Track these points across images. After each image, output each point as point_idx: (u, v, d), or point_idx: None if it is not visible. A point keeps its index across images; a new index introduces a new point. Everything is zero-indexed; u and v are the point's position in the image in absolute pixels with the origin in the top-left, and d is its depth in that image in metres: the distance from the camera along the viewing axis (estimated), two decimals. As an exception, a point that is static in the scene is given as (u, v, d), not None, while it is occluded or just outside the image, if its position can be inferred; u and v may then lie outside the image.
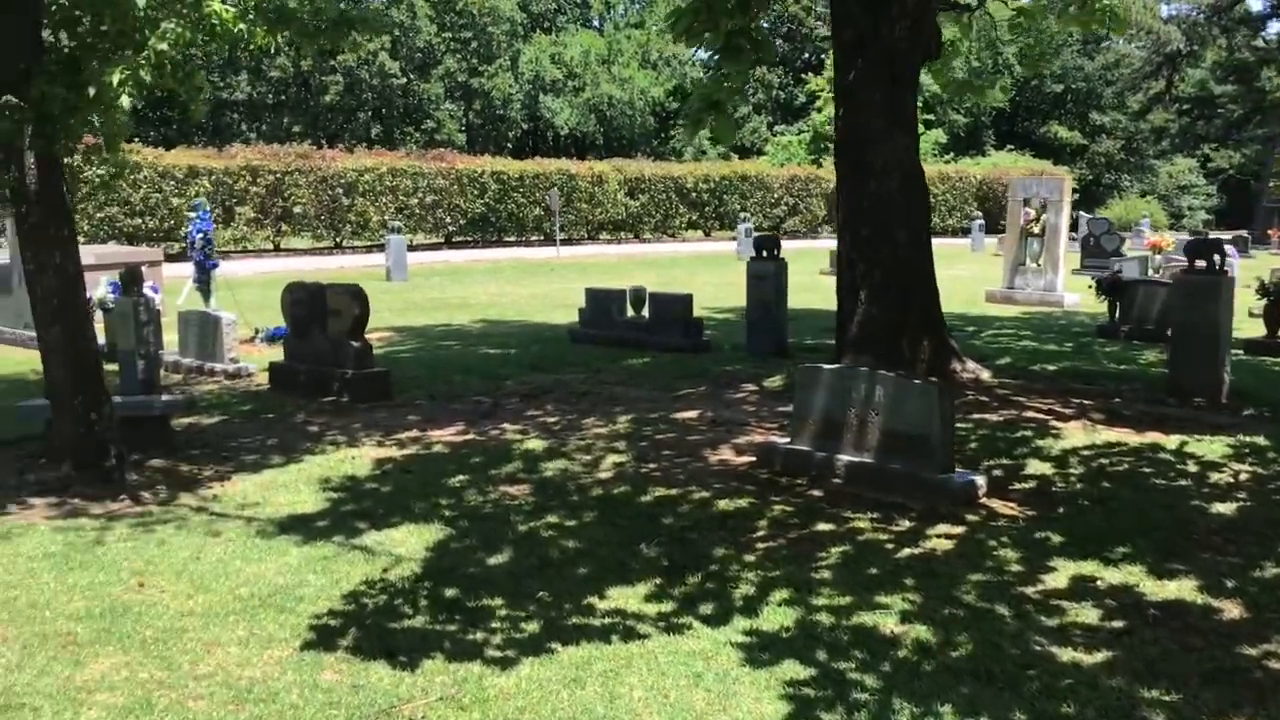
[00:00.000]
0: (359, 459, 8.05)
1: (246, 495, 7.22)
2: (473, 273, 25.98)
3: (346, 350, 10.15)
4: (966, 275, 24.76)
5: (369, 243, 33.46)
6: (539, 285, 22.30)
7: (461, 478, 7.44)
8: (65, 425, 7.56)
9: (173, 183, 28.50)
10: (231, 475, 7.74)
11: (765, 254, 11.90)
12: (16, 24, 7.23)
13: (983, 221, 38.23)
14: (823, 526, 6.15)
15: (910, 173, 9.42)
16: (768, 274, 11.76)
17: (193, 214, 13.61)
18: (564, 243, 35.87)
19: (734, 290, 20.11)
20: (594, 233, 37.45)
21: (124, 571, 5.70)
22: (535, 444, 8.20)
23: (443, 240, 34.69)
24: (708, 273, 25.48)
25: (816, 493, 6.71)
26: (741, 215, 32.42)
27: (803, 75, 60.49)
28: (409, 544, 6.15)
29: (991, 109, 64.06)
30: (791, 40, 65.33)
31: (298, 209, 30.58)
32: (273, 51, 9.84)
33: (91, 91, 7.06)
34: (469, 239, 35.08)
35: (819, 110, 55.72)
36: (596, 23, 63.02)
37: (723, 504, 6.59)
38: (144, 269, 16.69)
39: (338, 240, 32.68)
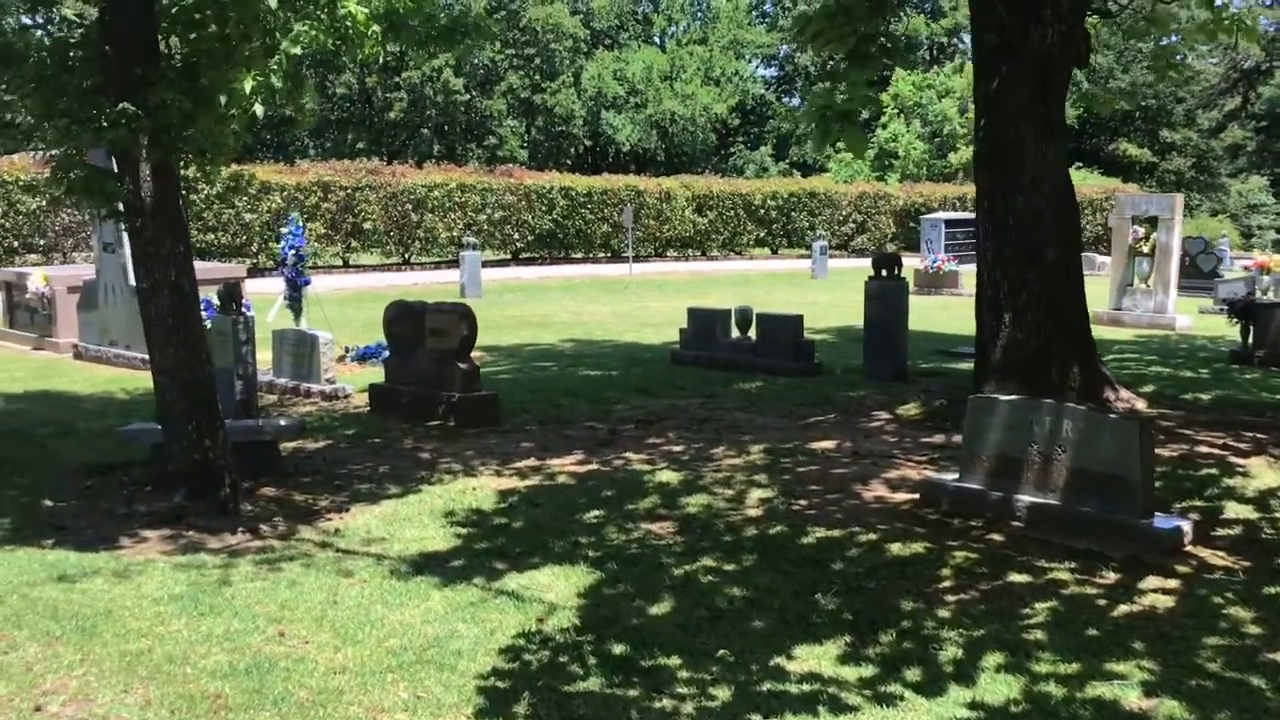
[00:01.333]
0: (480, 490, 7.58)
1: (370, 529, 6.77)
2: (547, 289, 25.58)
3: (453, 372, 9.70)
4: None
5: (437, 259, 33.21)
6: (618, 303, 21.83)
7: (597, 513, 6.93)
8: (178, 452, 7.15)
9: (244, 198, 28.35)
10: (349, 506, 7.30)
11: (885, 273, 11.32)
12: (129, 27, 6.86)
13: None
14: (1017, 577, 5.57)
15: (1060, 186, 8.82)
16: (888, 294, 11.17)
17: (285, 230, 13.29)
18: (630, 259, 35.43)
19: (820, 309, 19.55)
20: (661, 250, 36.97)
21: (260, 618, 5.24)
22: (668, 476, 7.68)
23: (510, 256, 34.35)
24: (785, 291, 24.88)
25: (996, 537, 6.13)
26: (817, 233, 31.81)
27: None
28: (558, 589, 5.65)
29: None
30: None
31: (368, 225, 30.37)
32: (356, 62, 9.43)
33: (223, 99, 6.67)
34: (536, 255, 34.72)
35: (884, 126, 55.11)
36: (658, 39, 62.72)
37: (895, 548, 6.03)
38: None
39: (406, 256, 32.45)
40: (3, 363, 14.04)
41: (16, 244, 24.98)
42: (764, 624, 5.10)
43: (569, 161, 54.40)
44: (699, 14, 61.15)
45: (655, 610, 5.31)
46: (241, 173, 7.41)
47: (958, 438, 8.42)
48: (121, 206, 7.03)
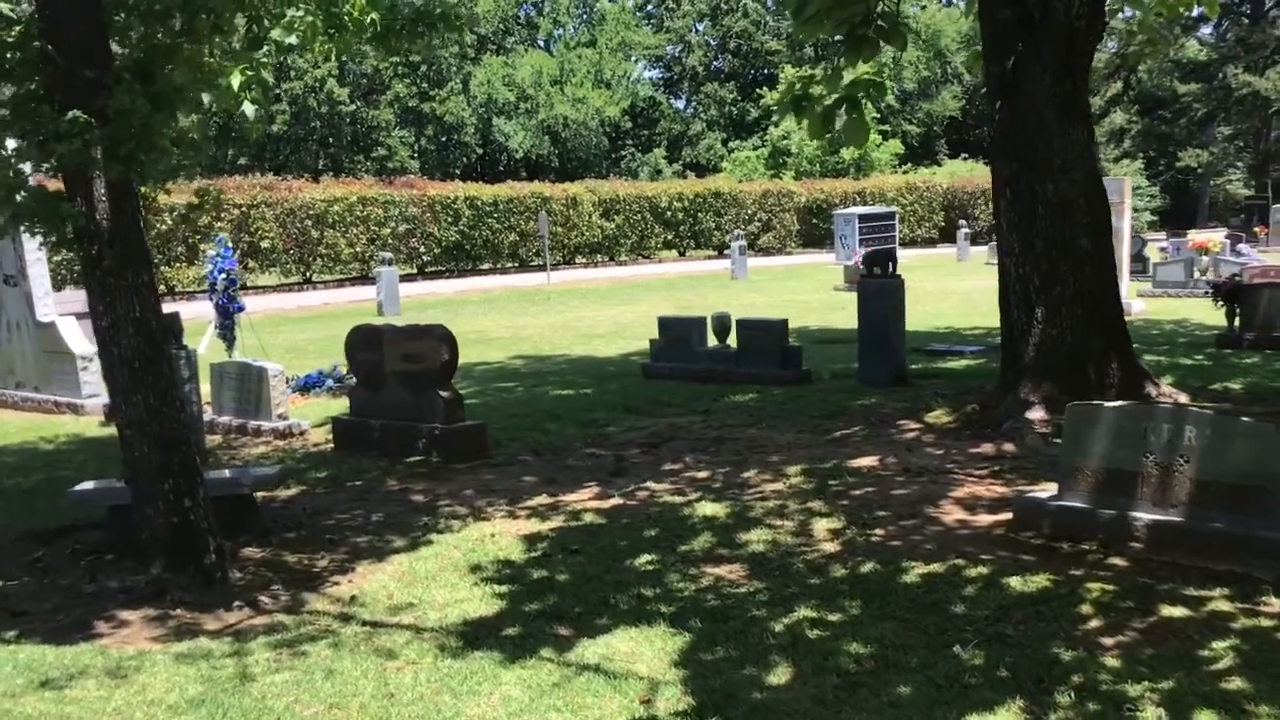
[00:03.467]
0: (500, 537, 6.70)
1: (391, 594, 5.85)
2: (466, 304, 24.54)
3: (434, 402, 8.77)
4: (986, 286, 23.76)
5: (340, 276, 31.87)
6: (548, 314, 20.96)
7: (647, 558, 6.12)
8: (153, 515, 6.11)
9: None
10: (354, 566, 6.36)
11: (879, 270, 10.70)
12: (77, 23, 5.83)
13: (968, 230, 37.49)
14: (1170, 610, 4.93)
15: (1091, 172, 8.29)
16: (883, 294, 10.55)
17: (213, 251, 12.13)
18: (538, 268, 34.55)
19: (759, 311, 18.92)
20: (570, 256, 36.16)
21: (311, 726, 4.32)
22: (709, 508, 6.90)
23: (416, 271, 33.14)
24: (715, 293, 24.27)
25: (1119, 562, 5.49)
26: (735, 233, 31.31)
27: (756, 90, 59.85)
28: (646, 658, 4.83)
29: (944, 118, 63.89)
30: (740, 55, 64.69)
31: (265, 243, 28.90)
32: (331, 59, 8.45)
33: (201, 101, 5.68)
34: (443, 268, 33.58)
35: (775, 125, 55.10)
36: (545, 43, 61.80)
37: (1014, 582, 5.35)
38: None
39: (307, 275, 31.03)
40: (-109, 413, 12.59)
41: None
42: (911, 690, 4.36)
43: (458, 171, 53.15)
44: (585, 16, 60.44)
45: (774, 679, 4.53)
46: (208, 189, 6.34)
47: (1008, 446, 7.85)
48: (72, 232, 5.98)
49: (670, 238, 39.29)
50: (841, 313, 18.72)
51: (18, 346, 12.56)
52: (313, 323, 21.62)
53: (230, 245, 12.03)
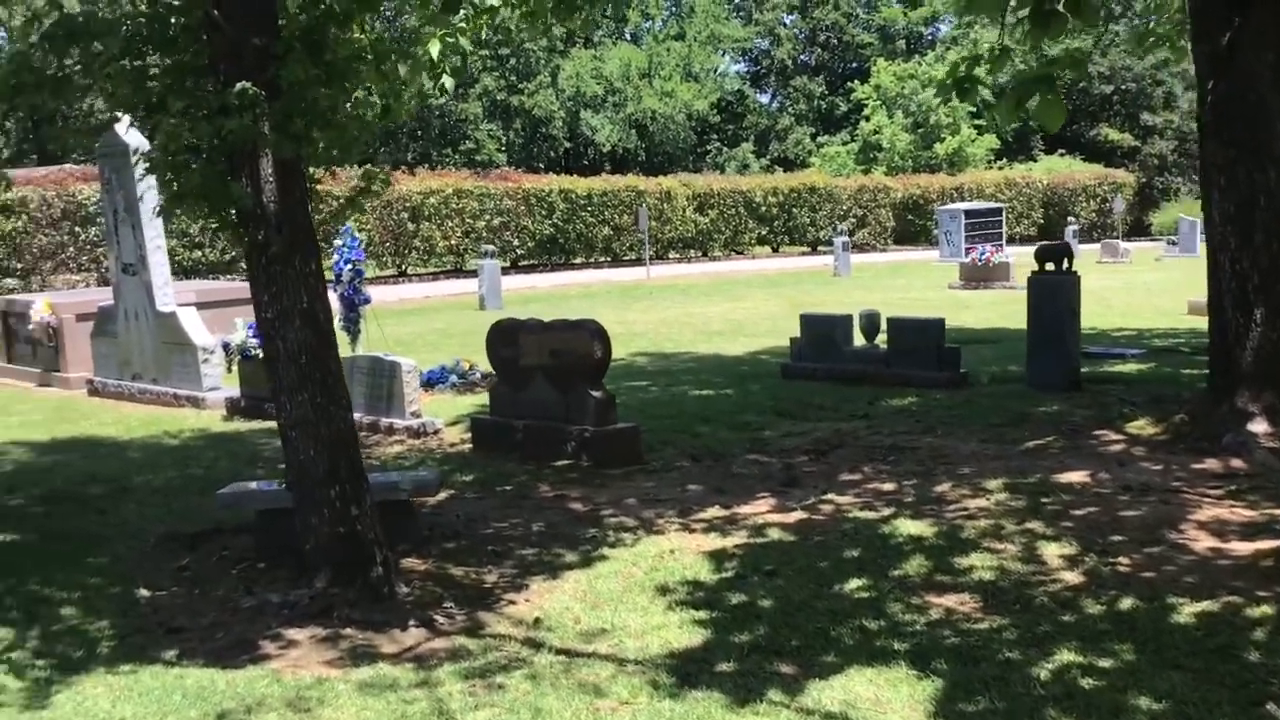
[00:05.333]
0: (681, 553, 6.13)
1: (578, 617, 5.30)
2: (567, 298, 24.07)
3: (584, 402, 8.23)
4: (1112, 284, 22.71)
5: (435, 269, 31.62)
6: (657, 310, 20.38)
7: (858, 583, 5.50)
8: (318, 524, 5.63)
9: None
10: (526, 582, 5.83)
11: (1054, 266, 9.94)
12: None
13: (1077, 227, 36.24)
14: None
15: (1320, 158, 7.49)
16: (1058, 291, 9.79)
17: (339, 242, 11.74)
18: (633, 263, 34.03)
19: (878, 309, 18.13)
20: (662, 251, 35.54)
21: (539, 780, 3.77)
22: (911, 526, 6.25)
23: (509, 264, 32.76)
24: (822, 291, 23.52)
25: None
26: (839, 229, 30.56)
27: (846, 83, 58.81)
28: (895, 706, 4.21)
29: (1040, 113, 62.12)
30: (830, 49, 63.62)
31: (361, 235, 28.66)
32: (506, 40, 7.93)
33: (360, 73, 5.18)
34: (535, 262, 33.17)
35: (867, 119, 54.01)
36: (631, 36, 61.22)
37: (1312, 626, 4.64)
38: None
39: (401, 268, 30.80)
40: (9, 403, 12.38)
41: (-7, 268, 23.22)
42: (1234, 757, 3.69)
43: (542, 165, 52.81)
44: (674, 8, 59.77)
45: (1059, 737, 3.89)
46: (374, 171, 5.87)
47: (1236, 463, 7.10)
48: (235, 215, 5.51)
49: (764, 233, 38.53)
50: (967, 312, 17.90)
51: (136, 337, 12.27)
52: (415, 315, 21.28)
53: (358, 236, 11.60)
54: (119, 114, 5.66)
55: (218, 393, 11.45)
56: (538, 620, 5.28)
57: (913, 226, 42.38)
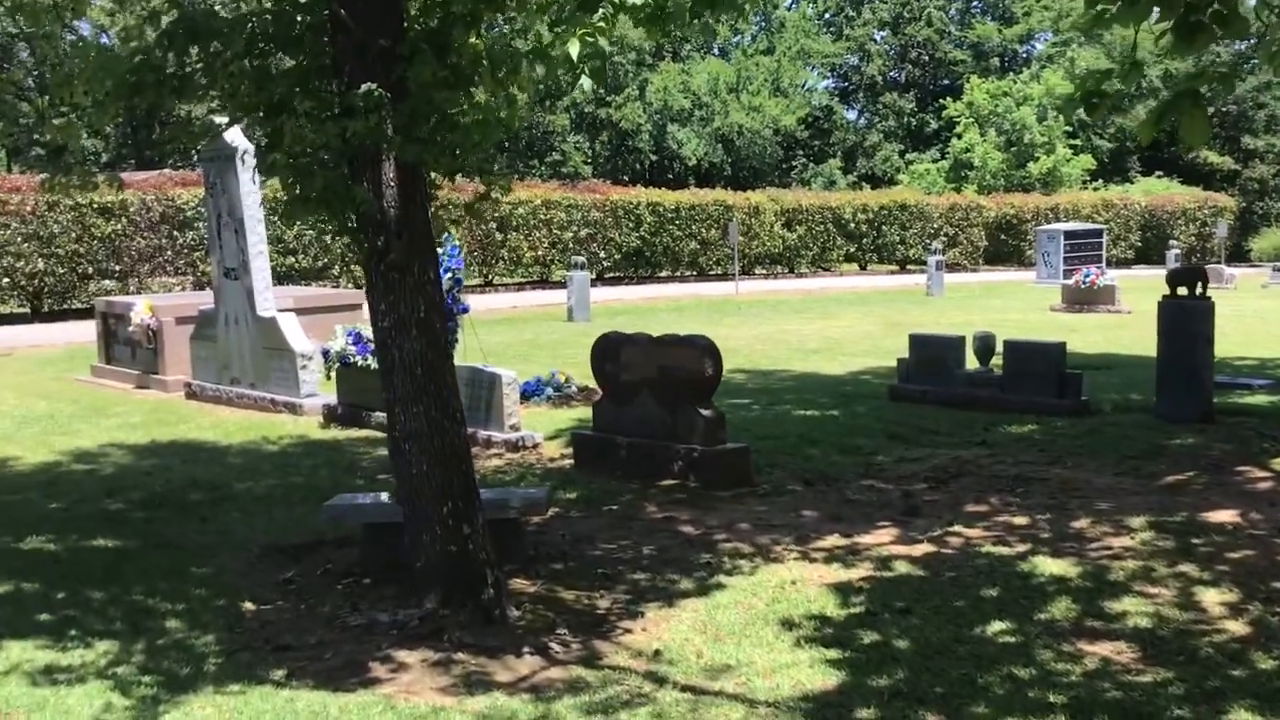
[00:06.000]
0: (802, 585, 5.81)
1: (700, 651, 5.01)
2: (655, 311, 23.84)
3: (693, 420, 7.95)
4: (1227, 312, 21.78)
5: (520, 280, 31.62)
6: (748, 326, 20.05)
7: (1000, 626, 5.14)
8: (429, 542, 5.42)
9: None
10: (641, 609, 5.56)
11: (1187, 291, 9.45)
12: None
13: (1179, 251, 35.16)
14: None
15: None
16: (1191, 318, 9.30)
17: (440, 250, 11.61)
18: (719, 277, 33.73)
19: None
20: (749, 267, 35.14)
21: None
22: (1051, 565, 5.87)
23: (594, 276, 32.65)
24: (917, 311, 22.99)
25: None
26: (933, 247, 29.97)
27: (938, 101, 57.93)
28: (1058, 765, 3.86)
29: (1137, 133, 60.75)
30: (920, 65, 62.82)
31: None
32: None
33: (494, 74, 4.98)
34: (621, 275, 32.99)
35: (959, 136, 53.12)
36: (719, 50, 60.98)
37: None
38: (346, 313, 14.79)
39: (488, 277, 30.83)
40: (108, 404, 12.44)
41: (92, 270, 23.60)
42: None
43: (626, 177, 52.73)
44: (764, 23, 59.41)
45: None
46: (496, 176, 5.65)
47: (1403, 508, 6.60)
48: (354, 220, 5.33)
49: (852, 250, 37.98)
50: (1073, 335, 17.24)
51: (235, 342, 12.26)
52: (503, 325, 21.15)
53: (459, 244, 11.46)
54: (239, 115, 5.50)
55: (315, 399, 11.37)
56: (658, 653, 5.01)
57: (1005, 247, 41.48)
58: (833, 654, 4.92)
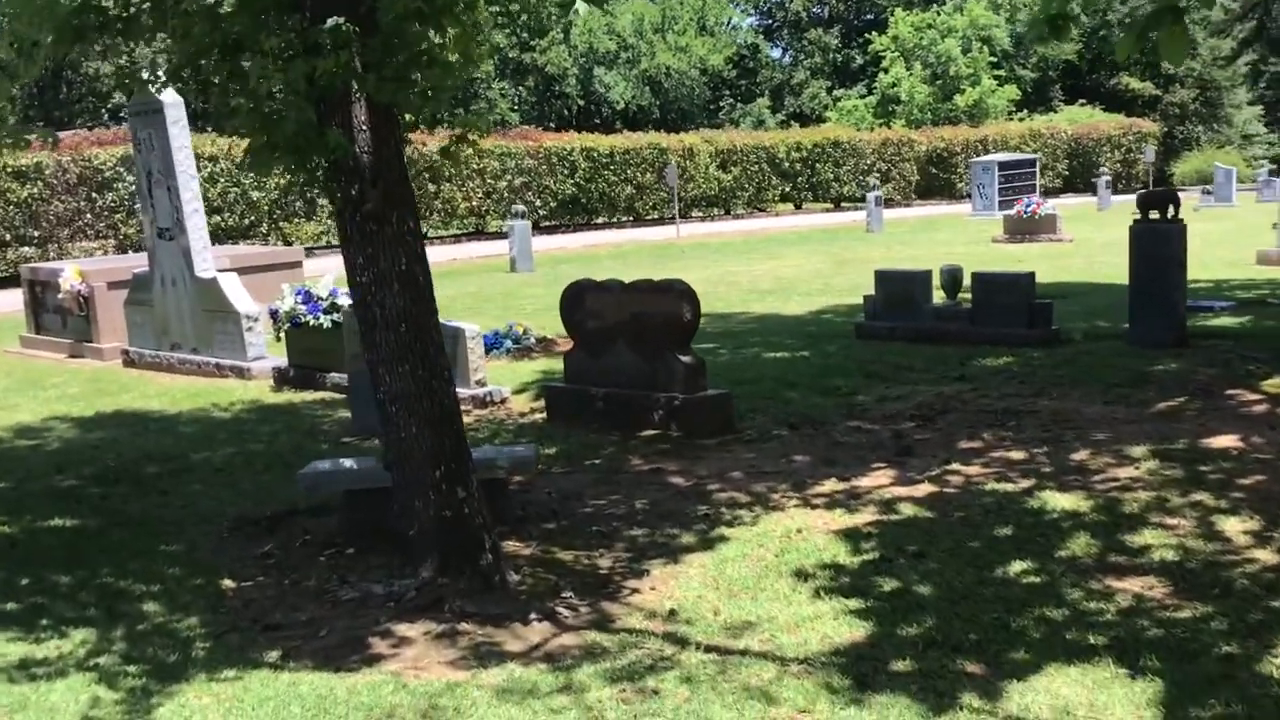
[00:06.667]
0: (809, 532, 5.62)
1: (717, 608, 4.80)
2: (598, 258, 23.47)
3: (672, 367, 7.70)
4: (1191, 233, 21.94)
5: (457, 231, 31.01)
6: (696, 270, 19.69)
7: (1021, 566, 4.98)
8: (422, 507, 5.12)
9: (252, 175, 25.98)
10: (645, 567, 5.33)
11: (1159, 214, 9.35)
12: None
13: (1109, 177, 35.46)
14: None
15: None
16: (1164, 241, 9.21)
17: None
18: (655, 222, 33.39)
19: (919, 265, 17.58)
20: (685, 210, 34.76)
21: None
22: (1060, 499, 5.73)
23: (529, 226, 32.12)
24: (862, 247, 22.90)
25: None
26: (872, 182, 29.88)
27: (864, 36, 57.74)
28: (1117, 713, 3.73)
29: (1060, 63, 61.24)
30: (844, 0, 62.49)
31: (383, 197, 28.04)
32: None
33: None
34: (557, 223, 32.49)
35: (885, 71, 53.02)
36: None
37: None
38: (286, 272, 14.28)
39: (423, 231, 30.13)
40: (42, 375, 11.87)
41: (9, 237, 22.62)
42: None
43: (553, 123, 51.94)
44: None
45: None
46: (473, 118, 5.27)
47: (1402, 427, 6.56)
48: (325, 165, 4.95)
49: (787, 190, 37.77)
50: (1020, 265, 17.22)
51: (173, 304, 11.73)
52: (445, 279, 20.55)
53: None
54: (190, 57, 5.06)
55: (264, 362, 10.93)
56: (673, 612, 4.79)
57: (937, 180, 41.57)
58: (854, 604, 4.73)
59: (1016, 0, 57.75)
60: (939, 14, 54.20)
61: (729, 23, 58.98)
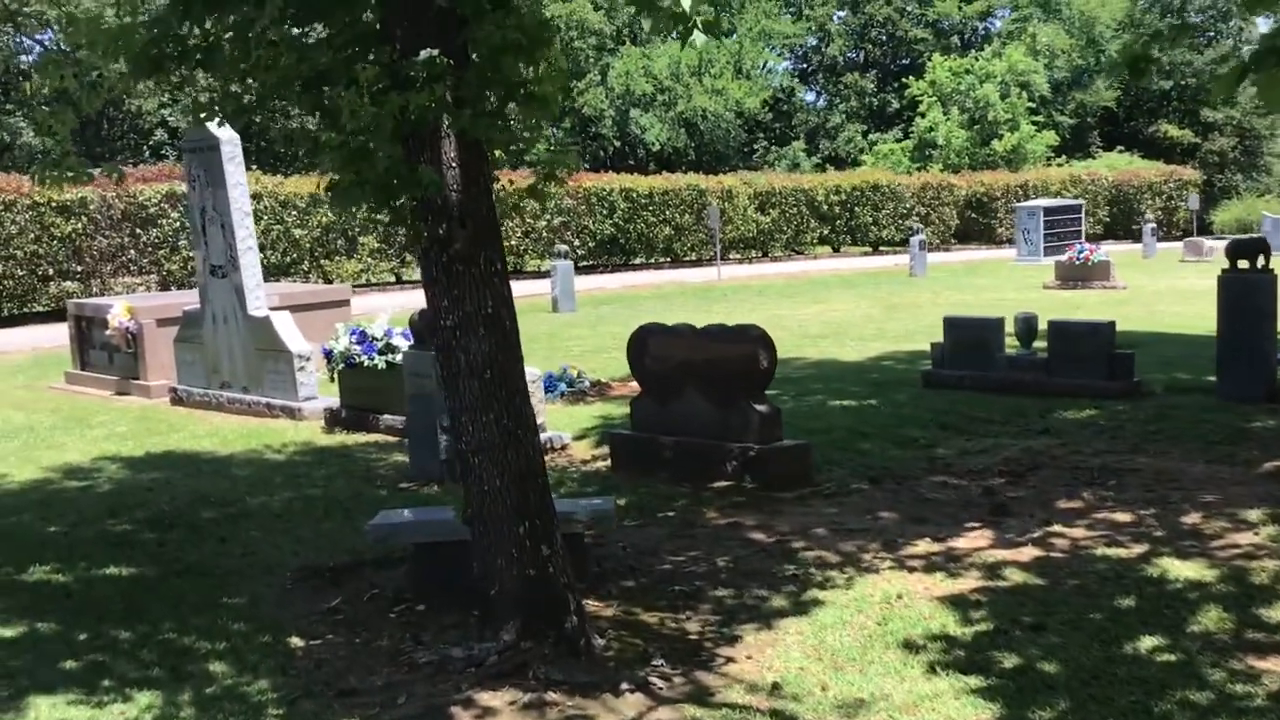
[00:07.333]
0: (910, 598, 5.28)
1: (825, 684, 4.46)
2: (640, 299, 23.25)
3: (747, 417, 7.39)
4: (1204, 287, 21.36)
5: (495, 270, 30.82)
6: (742, 313, 19.46)
7: (1152, 641, 4.62)
8: (505, 566, 4.81)
9: (294, 212, 26.02)
10: (738, 633, 5.00)
11: (1248, 264, 9.00)
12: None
13: (1154, 225, 35.00)
14: None
15: None
16: (1255, 292, 8.85)
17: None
18: (694, 263, 33.20)
19: (973, 312, 17.20)
20: (724, 252, 34.59)
21: None
22: (1183, 569, 5.37)
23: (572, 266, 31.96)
24: (908, 292, 22.56)
25: None
26: (915, 226, 29.56)
27: (900, 80, 57.66)
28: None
29: (1098, 109, 60.98)
30: (880, 44, 62.51)
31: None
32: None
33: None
34: (595, 263, 32.31)
35: (922, 115, 52.84)
36: (676, 33, 60.13)
37: None
38: (334, 310, 14.09)
39: (461, 268, 30.03)
40: (89, 413, 11.68)
41: (52, 271, 22.62)
42: None
43: (588, 164, 51.96)
44: (724, 4, 58.73)
45: None
46: (561, 152, 4.98)
47: None
48: (413, 205, 4.70)
49: (825, 233, 37.51)
50: (1078, 312, 16.88)
51: (224, 343, 11.54)
52: (488, 318, 20.46)
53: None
54: (268, 90, 4.83)
55: (315, 403, 10.70)
56: (776, 686, 4.45)
57: (976, 225, 41.24)
58: (975, 681, 4.38)
59: (1055, 46, 57.67)
60: (977, 59, 54.08)
61: (765, 66, 58.94)
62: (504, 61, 4.55)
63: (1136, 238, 38.39)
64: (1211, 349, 10.93)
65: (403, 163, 4.39)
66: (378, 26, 4.70)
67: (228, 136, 10.94)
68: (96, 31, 4.75)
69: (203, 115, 5.06)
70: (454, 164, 4.68)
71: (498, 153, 5.09)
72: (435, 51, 4.39)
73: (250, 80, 4.84)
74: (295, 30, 4.81)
